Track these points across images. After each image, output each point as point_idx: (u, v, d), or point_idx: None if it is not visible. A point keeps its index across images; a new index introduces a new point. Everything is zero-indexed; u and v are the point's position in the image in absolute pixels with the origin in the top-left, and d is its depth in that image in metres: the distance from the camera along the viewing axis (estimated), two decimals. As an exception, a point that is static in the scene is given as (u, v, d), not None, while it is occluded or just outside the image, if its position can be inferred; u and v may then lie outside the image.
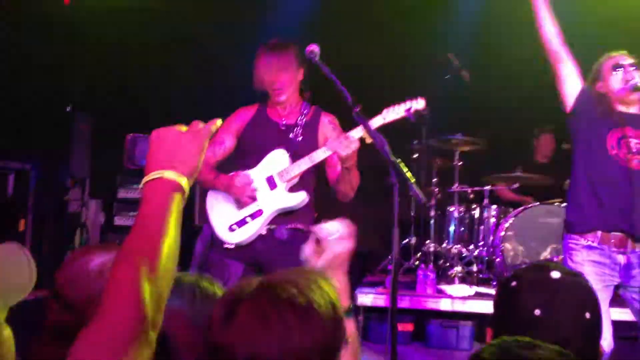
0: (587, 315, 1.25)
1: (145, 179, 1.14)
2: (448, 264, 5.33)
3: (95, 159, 5.88)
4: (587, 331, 1.25)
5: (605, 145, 2.71)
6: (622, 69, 2.75)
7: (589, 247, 2.66)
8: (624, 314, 4.02)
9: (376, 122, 2.86)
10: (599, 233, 2.64)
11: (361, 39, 6.11)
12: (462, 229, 5.53)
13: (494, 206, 5.32)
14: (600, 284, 2.58)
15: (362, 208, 5.76)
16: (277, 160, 2.96)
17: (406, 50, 6.18)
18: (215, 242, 2.91)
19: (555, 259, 4.63)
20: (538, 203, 4.92)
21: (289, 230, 2.92)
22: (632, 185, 2.62)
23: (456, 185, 5.45)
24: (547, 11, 2.77)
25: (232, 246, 2.88)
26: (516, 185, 5.35)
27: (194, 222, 5.21)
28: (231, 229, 2.88)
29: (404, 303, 4.68)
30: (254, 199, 2.90)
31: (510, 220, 4.93)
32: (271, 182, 2.96)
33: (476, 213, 5.44)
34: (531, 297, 1.26)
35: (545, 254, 4.75)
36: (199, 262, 2.95)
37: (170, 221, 1.07)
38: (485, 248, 5.19)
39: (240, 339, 1.01)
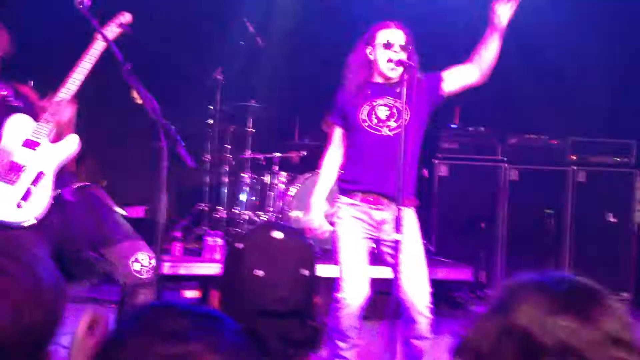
0: (304, 271, 1.35)
1: None
2: (239, 230, 5.49)
3: None
4: (304, 287, 1.36)
5: (359, 116, 3.10)
6: (390, 48, 3.07)
7: (352, 205, 3.06)
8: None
9: (98, 45, 2.95)
10: (359, 194, 3.06)
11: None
12: (254, 195, 5.72)
13: (284, 173, 5.57)
14: (360, 235, 3.05)
15: (153, 171, 5.72)
16: (20, 124, 2.88)
17: (201, 13, 6.16)
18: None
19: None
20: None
21: (73, 191, 2.91)
22: (383, 151, 3.03)
23: (248, 152, 5.61)
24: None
25: (37, 220, 2.75)
26: (304, 153, 5.64)
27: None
28: (19, 206, 2.74)
29: (190, 270, 4.75)
30: (19, 165, 2.78)
31: (296, 187, 5.21)
32: (30, 144, 2.86)
33: (267, 180, 5.65)
34: (255, 258, 1.35)
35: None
36: None
37: None
38: (274, 214, 5.43)
39: None
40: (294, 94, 6.27)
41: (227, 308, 1.34)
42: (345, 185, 3.13)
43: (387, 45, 3.08)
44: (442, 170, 5.66)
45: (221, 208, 5.69)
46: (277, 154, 5.61)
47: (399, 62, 3.00)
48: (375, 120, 3.10)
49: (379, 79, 3.17)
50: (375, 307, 4.54)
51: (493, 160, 5.73)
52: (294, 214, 5.16)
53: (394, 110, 3.09)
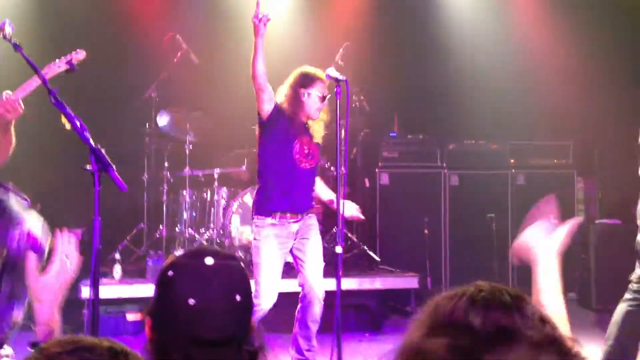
0: (238, 297, 1.35)
1: None
2: (180, 248, 5.44)
3: None
4: (239, 312, 1.36)
5: (288, 150, 3.59)
6: (319, 97, 3.56)
7: (273, 225, 3.58)
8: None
9: (34, 82, 3.05)
10: (278, 213, 3.58)
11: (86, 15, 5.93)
12: (194, 212, 5.68)
13: (224, 188, 5.55)
14: (281, 251, 3.62)
15: (83, 196, 5.61)
16: None
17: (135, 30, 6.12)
18: None
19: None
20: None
21: None
22: (298, 178, 3.64)
23: (187, 169, 5.57)
24: (263, 53, 3.48)
25: None
26: (244, 167, 5.64)
27: None
28: None
29: (132, 292, 4.69)
30: None
31: (238, 201, 5.21)
32: None
33: (207, 196, 5.62)
34: (186, 286, 1.31)
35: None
36: None
37: None
38: (216, 230, 5.41)
39: None
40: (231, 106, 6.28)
41: (160, 336, 1.33)
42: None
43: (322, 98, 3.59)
44: (384, 179, 5.77)
45: (161, 227, 5.62)
46: (218, 170, 5.59)
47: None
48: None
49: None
50: (322, 320, 4.62)
51: (433, 167, 5.88)
52: (236, 227, 5.16)
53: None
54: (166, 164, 5.73)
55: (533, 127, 6.30)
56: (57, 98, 2.76)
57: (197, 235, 5.49)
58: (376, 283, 4.93)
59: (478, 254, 5.67)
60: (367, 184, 5.71)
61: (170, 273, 1.34)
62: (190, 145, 5.57)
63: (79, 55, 3.27)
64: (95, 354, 0.93)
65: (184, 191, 5.64)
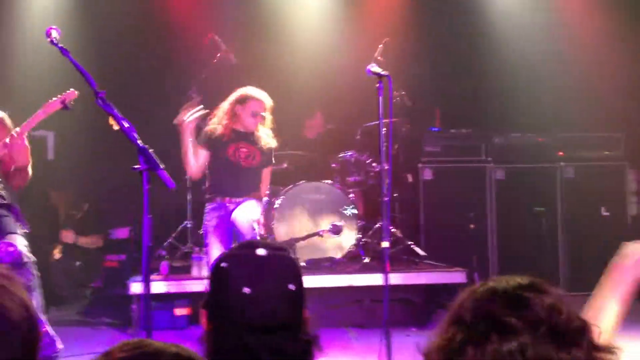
0: (291, 286, 1.41)
1: None
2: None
3: None
4: (293, 301, 1.42)
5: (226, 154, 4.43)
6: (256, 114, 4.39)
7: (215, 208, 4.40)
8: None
9: (35, 118, 3.39)
10: (218, 198, 4.40)
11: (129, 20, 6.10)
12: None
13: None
14: (223, 228, 4.32)
15: (138, 194, 5.78)
16: None
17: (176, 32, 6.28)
18: None
19: (321, 233, 5.11)
20: (304, 181, 5.32)
21: None
22: (238, 173, 4.43)
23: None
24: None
25: None
26: (285, 165, 5.71)
27: None
28: None
29: (179, 287, 4.82)
30: None
31: (280, 199, 5.29)
32: None
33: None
34: (240, 275, 1.38)
35: (314, 229, 5.19)
36: None
37: None
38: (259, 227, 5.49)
39: None
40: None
41: (216, 326, 1.40)
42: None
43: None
44: (427, 174, 5.77)
45: (206, 225, 5.76)
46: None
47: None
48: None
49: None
50: (370, 314, 4.67)
51: (478, 161, 5.84)
52: (279, 225, 5.24)
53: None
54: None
55: (582, 119, 6.17)
56: (104, 100, 2.87)
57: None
58: (422, 278, 4.95)
59: (526, 248, 5.62)
60: (410, 180, 5.72)
61: (223, 264, 1.41)
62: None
63: (71, 94, 3.46)
64: None
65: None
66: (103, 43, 6.05)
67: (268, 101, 4.44)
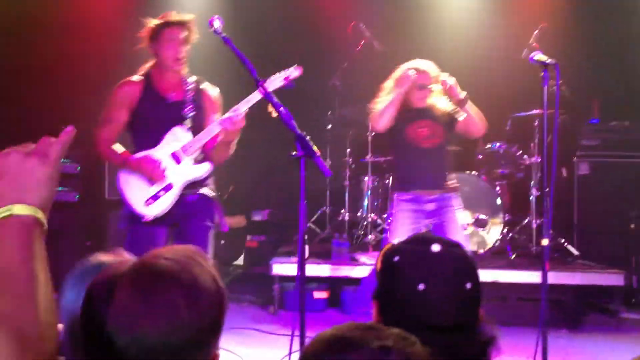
0: (468, 285, 1.37)
1: None
2: (362, 232, 5.60)
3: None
4: (468, 300, 1.38)
5: (407, 134, 3.94)
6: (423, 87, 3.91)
7: (407, 200, 3.96)
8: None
9: (255, 96, 3.10)
10: (413, 190, 3.94)
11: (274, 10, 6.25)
12: (376, 198, 5.80)
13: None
14: (413, 225, 3.91)
15: (279, 178, 5.99)
16: (178, 137, 3.26)
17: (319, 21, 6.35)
18: (135, 217, 3.21)
19: (465, 226, 4.99)
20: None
21: (197, 195, 3.31)
22: (425, 158, 3.93)
23: (369, 155, 5.70)
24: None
25: (151, 218, 3.21)
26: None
27: (104, 196, 5.22)
28: (147, 204, 3.22)
29: (319, 271, 4.92)
30: (164, 176, 3.22)
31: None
32: (176, 158, 3.27)
33: (390, 182, 5.70)
34: (414, 271, 1.35)
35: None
36: (125, 238, 3.26)
37: (37, 265, 0.95)
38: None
39: (122, 321, 0.98)
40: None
41: (387, 319, 1.38)
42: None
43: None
44: (583, 169, 5.45)
45: (343, 211, 5.83)
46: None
47: None
48: None
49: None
50: (516, 313, 4.51)
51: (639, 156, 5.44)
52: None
53: None
54: (348, 150, 5.93)
55: None
56: (265, 88, 2.97)
57: (379, 221, 5.61)
58: (576, 278, 4.69)
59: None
60: (565, 174, 5.43)
61: (396, 259, 1.39)
62: (373, 132, 5.68)
63: (295, 72, 3.24)
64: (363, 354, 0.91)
65: (366, 177, 5.78)
66: (249, 35, 6.26)
67: (434, 71, 3.95)
